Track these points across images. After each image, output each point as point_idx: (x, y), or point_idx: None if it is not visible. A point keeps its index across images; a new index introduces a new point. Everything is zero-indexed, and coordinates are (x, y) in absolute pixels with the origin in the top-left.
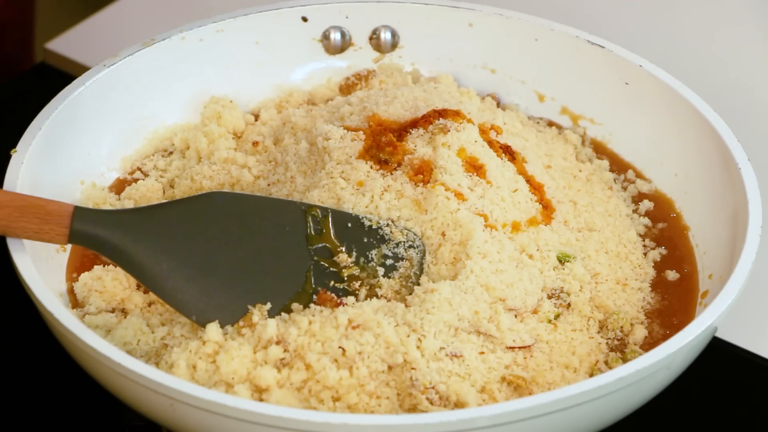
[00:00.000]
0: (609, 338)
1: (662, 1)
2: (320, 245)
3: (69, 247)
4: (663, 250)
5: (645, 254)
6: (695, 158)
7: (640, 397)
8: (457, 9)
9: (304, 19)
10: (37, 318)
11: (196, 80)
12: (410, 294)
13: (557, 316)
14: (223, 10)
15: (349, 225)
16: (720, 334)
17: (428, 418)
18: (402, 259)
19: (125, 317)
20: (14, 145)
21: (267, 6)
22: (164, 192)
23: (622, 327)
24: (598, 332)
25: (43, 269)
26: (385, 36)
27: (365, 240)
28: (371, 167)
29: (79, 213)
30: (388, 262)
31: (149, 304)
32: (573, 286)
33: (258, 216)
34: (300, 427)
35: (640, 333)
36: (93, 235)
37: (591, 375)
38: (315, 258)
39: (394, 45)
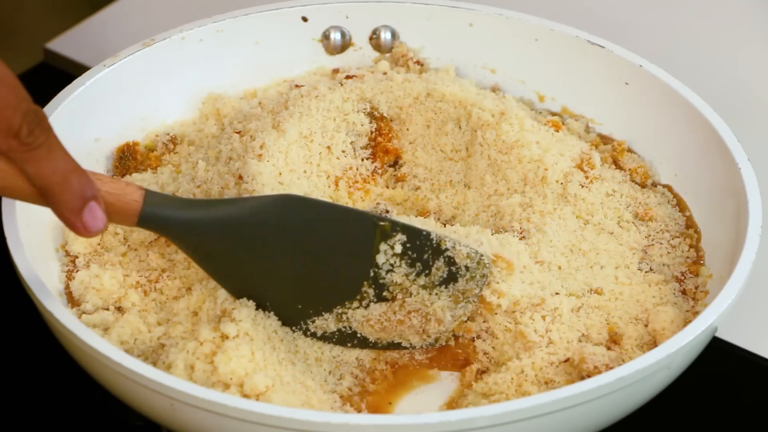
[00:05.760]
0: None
1: (662, 1)
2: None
3: (68, 246)
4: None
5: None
6: (695, 158)
7: (640, 397)
8: (457, 9)
9: (304, 19)
10: (37, 318)
11: (196, 80)
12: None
13: None
14: (223, 10)
15: (417, 243)
16: (720, 334)
17: (428, 418)
18: (462, 278)
19: (122, 315)
20: None
21: (267, 6)
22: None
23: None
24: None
25: (42, 268)
26: (385, 36)
27: (428, 259)
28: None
29: (150, 197)
30: (447, 283)
31: (145, 294)
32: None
33: (326, 224)
34: (300, 427)
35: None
36: (163, 217)
37: (589, 375)
38: (374, 271)
39: (394, 45)
